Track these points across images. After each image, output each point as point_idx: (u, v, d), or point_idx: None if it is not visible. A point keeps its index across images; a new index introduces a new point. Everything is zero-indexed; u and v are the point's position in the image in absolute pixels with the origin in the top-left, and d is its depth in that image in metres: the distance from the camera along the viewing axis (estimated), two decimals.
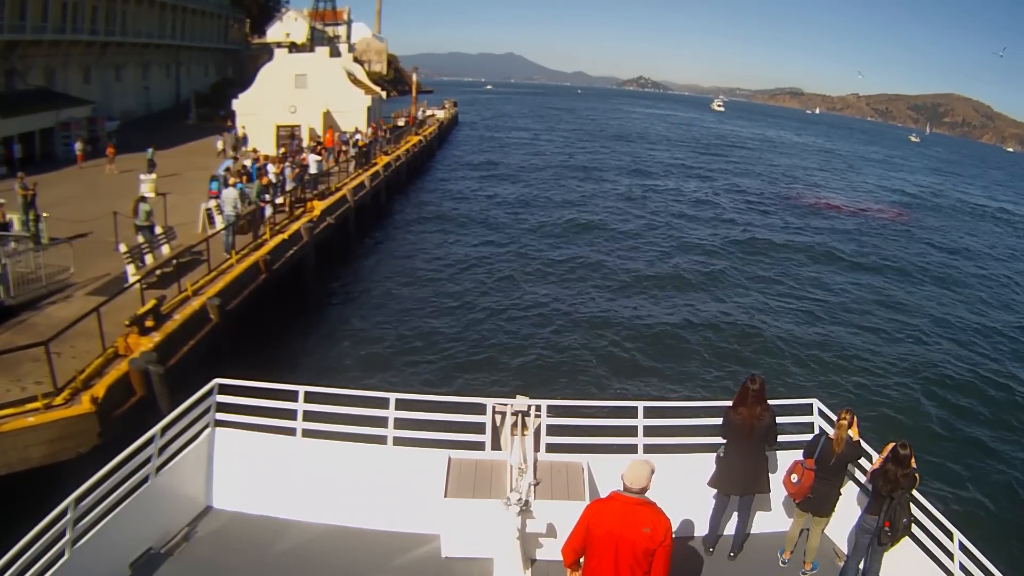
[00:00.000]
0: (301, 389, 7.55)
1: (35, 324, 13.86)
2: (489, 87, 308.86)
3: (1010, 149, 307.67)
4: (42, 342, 11.23)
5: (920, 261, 36.00)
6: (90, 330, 12.53)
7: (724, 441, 7.28)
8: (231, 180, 21.82)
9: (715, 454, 7.35)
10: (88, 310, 12.70)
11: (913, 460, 6.68)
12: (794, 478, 7.11)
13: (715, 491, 7.35)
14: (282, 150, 34.19)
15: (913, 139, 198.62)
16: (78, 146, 34.53)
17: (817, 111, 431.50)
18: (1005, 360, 22.49)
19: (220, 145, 38.44)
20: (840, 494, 7.20)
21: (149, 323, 13.61)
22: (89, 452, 10.76)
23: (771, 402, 7.17)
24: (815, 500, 7.07)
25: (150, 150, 31.98)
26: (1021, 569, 11.14)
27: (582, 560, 5.25)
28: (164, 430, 6.90)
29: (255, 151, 32.96)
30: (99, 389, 11.49)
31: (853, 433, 7.04)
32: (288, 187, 26.34)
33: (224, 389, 7.57)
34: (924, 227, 47.27)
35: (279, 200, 25.21)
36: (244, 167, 26.22)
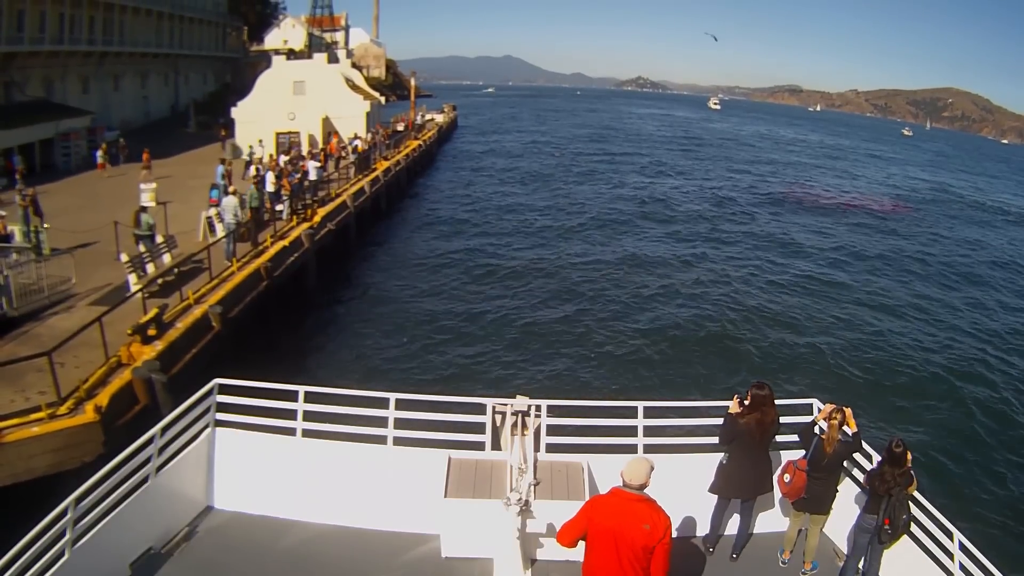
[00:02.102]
0: (301, 389, 7.57)
1: (38, 335, 13.88)
2: (491, 90, 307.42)
3: (1005, 141, 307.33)
4: (45, 352, 11.27)
5: (911, 253, 36.20)
6: (93, 340, 12.58)
7: (720, 442, 7.27)
8: (231, 188, 21.88)
9: (719, 461, 7.30)
10: (90, 320, 12.74)
11: (909, 459, 6.71)
12: (786, 478, 7.12)
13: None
14: (285, 158, 34.16)
15: (906, 133, 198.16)
16: (100, 154, 34.73)
17: (818, 108, 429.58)
18: (1005, 356, 22.49)
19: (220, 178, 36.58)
20: (837, 492, 7.20)
21: (151, 332, 13.64)
22: (93, 461, 10.72)
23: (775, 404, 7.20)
24: (811, 499, 7.07)
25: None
26: (1021, 569, 11.14)
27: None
28: (164, 430, 6.92)
29: (259, 159, 32.98)
30: (102, 398, 11.53)
31: (850, 426, 7.05)
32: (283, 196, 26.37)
33: (224, 389, 7.59)
34: (913, 219, 47.71)
35: (279, 207, 25.35)
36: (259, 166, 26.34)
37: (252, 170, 27.73)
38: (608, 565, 5.07)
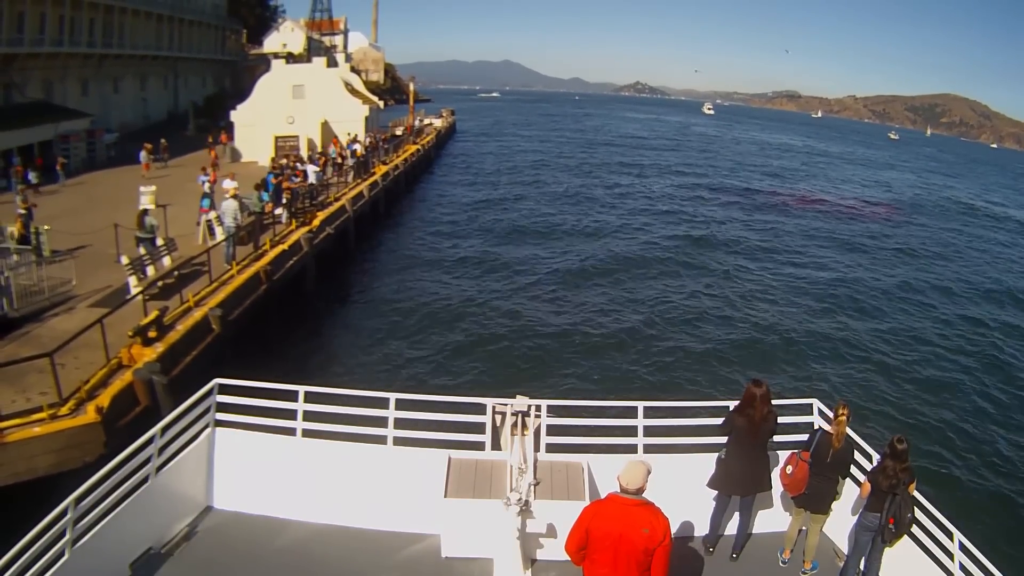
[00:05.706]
0: (301, 389, 7.57)
1: (38, 336, 13.91)
2: (496, 95, 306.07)
3: (994, 145, 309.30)
4: (47, 353, 11.29)
5: (904, 253, 36.51)
6: (93, 341, 12.58)
7: (724, 441, 7.28)
8: (230, 192, 21.85)
9: (717, 455, 7.31)
10: (91, 321, 12.75)
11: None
12: (788, 469, 7.11)
13: (715, 491, 7.38)
14: (283, 160, 34.19)
15: (892, 136, 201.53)
16: (143, 155, 34.81)
17: (819, 114, 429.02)
18: (1005, 355, 22.57)
19: (207, 187, 26.93)
20: (838, 494, 7.20)
21: (152, 334, 13.67)
22: (95, 462, 10.76)
23: (771, 402, 7.18)
24: (811, 497, 7.05)
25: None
26: (1021, 569, 11.17)
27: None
28: (164, 430, 6.93)
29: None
30: (103, 399, 11.55)
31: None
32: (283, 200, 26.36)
33: (224, 389, 7.59)
34: (904, 221, 48.15)
35: (278, 211, 25.36)
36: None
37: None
38: (608, 570, 5.09)
